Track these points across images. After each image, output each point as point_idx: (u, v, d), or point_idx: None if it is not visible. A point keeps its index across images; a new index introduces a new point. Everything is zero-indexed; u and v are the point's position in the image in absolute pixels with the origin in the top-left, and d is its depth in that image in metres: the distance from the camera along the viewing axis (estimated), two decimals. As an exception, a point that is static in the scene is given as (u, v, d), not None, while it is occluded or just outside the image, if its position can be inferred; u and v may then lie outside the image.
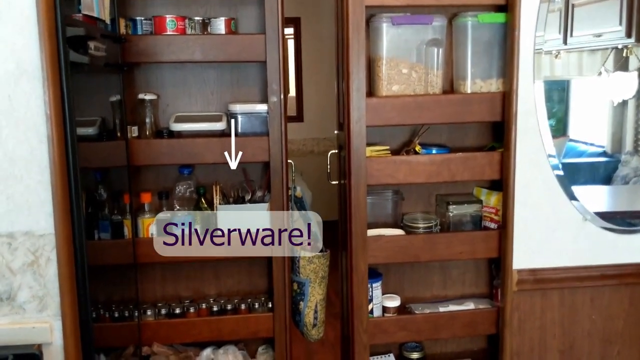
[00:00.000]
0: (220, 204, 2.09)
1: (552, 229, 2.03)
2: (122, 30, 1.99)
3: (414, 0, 1.87)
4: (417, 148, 2.02)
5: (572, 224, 2.03)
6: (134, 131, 2.04)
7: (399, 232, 2.03)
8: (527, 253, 2.02)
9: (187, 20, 2.04)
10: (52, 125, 1.29)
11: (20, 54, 1.29)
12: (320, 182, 4.62)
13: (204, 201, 2.12)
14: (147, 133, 2.07)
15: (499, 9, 1.97)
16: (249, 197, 2.15)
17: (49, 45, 1.27)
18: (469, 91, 1.99)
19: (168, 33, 2.00)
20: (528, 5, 1.91)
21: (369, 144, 1.97)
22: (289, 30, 5.51)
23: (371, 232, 1.98)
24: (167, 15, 2.01)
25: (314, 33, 5.53)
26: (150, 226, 2.06)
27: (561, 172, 2.04)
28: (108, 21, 1.74)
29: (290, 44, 5.61)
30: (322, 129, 5.63)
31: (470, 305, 2.11)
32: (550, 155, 2.02)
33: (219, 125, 2.06)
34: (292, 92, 5.72)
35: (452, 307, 2.10)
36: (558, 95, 2.46)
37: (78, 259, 1.32)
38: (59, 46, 1.29)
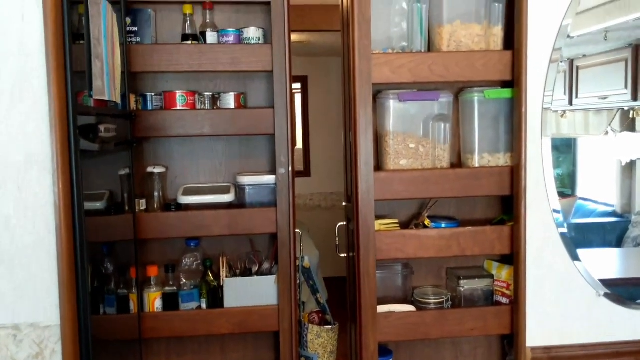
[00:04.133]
0: (226, 276, 2.07)
1: (566, 305, 1.98)
2: (133, 105, 2.02)
3: (420, 77, 1.89)
4: (427, 222, 2.00)
5: (586, 299, 1.99)
6: (141, 204, 2.04)
7: (409, 308, 1.99)
8: (541, 330, 1.97)
9: (197, 95, 2.07)
10: (61, 215, 1.29)
11: (31, 144, 1.31)
12: (327, 237, 4.61)
13: (210, 274, 2.10)
14: (155, 206, 2.07)
15: (505, 84, 1.98)
16: (256, 269, 2.13)
17: (60, 136, 1.29)
18: (476, 165, 1.99)
19: (178, 108, 2.03)
20: (535, 72, 1.92)
21: (377, 217, 1.96)
22: (296, 85, 5.60)
23: (381, 309, 1.95)
24: (177, 91, 2.04)
25: (320, 90, 5.62)
26: (156, 300, 2.03)
27: (570, 235, 2.01)
28: (119, 101, 1.77)
29: (297, 97, 5.70)
30: (329, 184, 5.65)
31: (482, 383, 2.06)
32: (557, 217, 1.98)
33: (227, 198, 2.06)
34: (300, 144, 5.76)
35: (465, 385, 2.04)
36: (565, 154, 2.45)
37: (83, 352, 1.29)
38: (69, 137, 1.31)
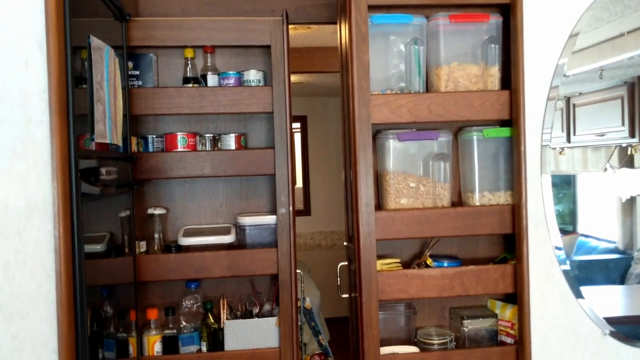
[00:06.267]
0: (227, 319, 2.05)
1: (571, 345, 1.95)
2: (134, 147, 2.03)
3: (419, 117, 1.90)
4: (429, 261, 1.99)
5: (592, 338, 1.96)
6: (142, 246, 2.03)
7: (412, 349, 1.96)
8: (547, 371, 1.93)
9: (197, 137, 2.09)
10: (61, 261, 1.28)
11: (33, 190, 1.30)
12: (328, 277, 4.58)
13: (210, 316, 2.07)
14: (155, 248, 2.06)
15: (503, 122, 2.00)
16: (257, 311, 2.10)
17: (61, 180, 1.29)
18: (477, 204, 1.98)
19: (179, 150, 2.04)
20: (533, 110, 1.93)
21: (379, 256, 1.95)
22: (296, 124, 5.65)
23: (384, 350, 1.91)
24: (178, 133, 2.05)
25: (320, 130, 5.66)
26: (156, 344, 2.01)
27: (573, 272, 1.99)
28: (120, 143, 1.78)
29: (297, 136, 5.74)
30: (329, 222, 5.64)
31: None
32: (559, 254, 1.97)
33: (228, 239, 2.05)
34: (299, 183, 5.77)
35: None
36: (565, 191, 2.45)
37: (81, 401, 1.27)
38: (71, 181, 1.31)
